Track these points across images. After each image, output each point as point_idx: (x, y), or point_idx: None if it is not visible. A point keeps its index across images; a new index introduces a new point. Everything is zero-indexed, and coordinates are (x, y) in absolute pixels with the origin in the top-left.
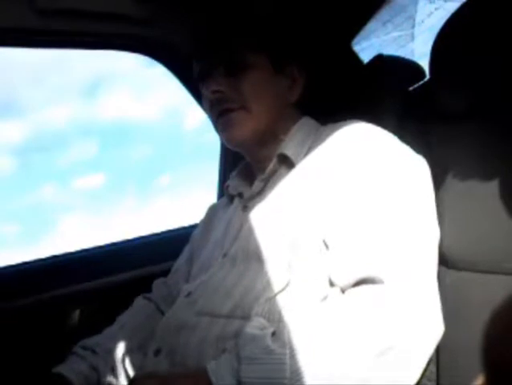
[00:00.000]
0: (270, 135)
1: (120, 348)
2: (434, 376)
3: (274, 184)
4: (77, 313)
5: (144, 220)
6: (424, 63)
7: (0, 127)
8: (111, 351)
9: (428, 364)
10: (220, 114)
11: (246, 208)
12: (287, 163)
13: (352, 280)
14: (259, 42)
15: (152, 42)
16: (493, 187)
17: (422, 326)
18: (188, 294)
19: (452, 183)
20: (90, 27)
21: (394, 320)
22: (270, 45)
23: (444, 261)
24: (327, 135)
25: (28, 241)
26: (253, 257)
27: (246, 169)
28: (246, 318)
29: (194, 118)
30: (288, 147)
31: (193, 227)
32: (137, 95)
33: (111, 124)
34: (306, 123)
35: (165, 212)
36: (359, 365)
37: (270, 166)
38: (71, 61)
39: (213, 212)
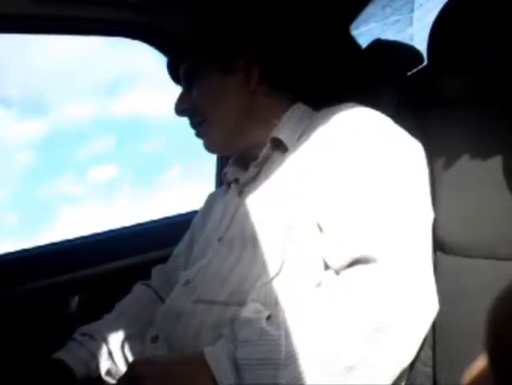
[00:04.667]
0: (249, 127)
1: (119, 335)
2: (431, 361)
3: (269, 168)
4: (76, 299)
5: (152, 207)
6: (424, 48)
7: (25, 124)
8: (110, 338)
9: (424, 349)
10: (192, 128)
11: (241, 194)
12: (281, 147)
13: (346, 260)
14: (197, 50)
15: (146, 27)
16: (490, 172)
17: (416, 303)
18: (187, 282)
19: (449, 168)
20: (84, 12)
21: (387, 298)
22: (209, 51)
23: (440, 246)
24: (321, 119)
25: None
26: (249, 242)
27: (243, 156)
28: (243, 304)
29: None
30: (281, 132)
31: (193, 213)
32: (155, 92)
33: (128, 120)
34: (300, 108)
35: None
36: (352, 343)
37: (264, 151)
38: (95, 60)
39: (212, 199)
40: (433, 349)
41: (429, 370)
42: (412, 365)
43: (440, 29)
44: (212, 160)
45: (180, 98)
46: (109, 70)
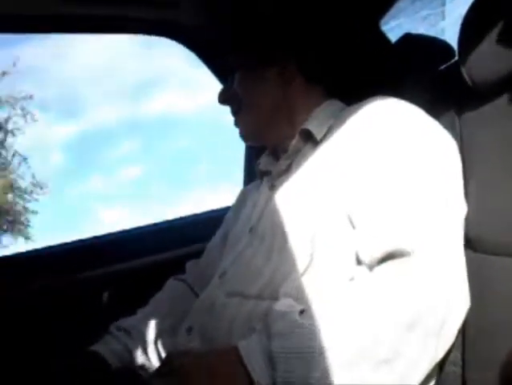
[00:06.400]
0: (282, 119)
1: (153, 329)
2: (459, 361)
3: (300, 162)
4: (112, 294)
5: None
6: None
7: (59, 126)
8: (144, 332)
9: (453, 349)
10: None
11: (273, 187)
12: (311, 140)
13: (379, 254)
14: (239, 43)
15: (176, 25)
16: None
17: (450, 298)
18: (222, 274)
19: (482, 163)
20: (115, 11)
21: (422, 293)
22: (248, 44)
23: (469, 243)
24: (352, 111)
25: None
26: (279, 236)
27: (275, 148)
28: (275, 298)
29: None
30: (310, 124)
31: (224, 209)
32: (184, 93)
33: (157, 120)
34: (332, 103)
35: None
36: (387, 337)
37: (293, 142)
38: (125, 63)
39: (244, 195)
40: (462, 348)
41: (458, 369)
42: (441, 365)
43: (471, 23)
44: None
45: (224, 88)
46: (141, 71)
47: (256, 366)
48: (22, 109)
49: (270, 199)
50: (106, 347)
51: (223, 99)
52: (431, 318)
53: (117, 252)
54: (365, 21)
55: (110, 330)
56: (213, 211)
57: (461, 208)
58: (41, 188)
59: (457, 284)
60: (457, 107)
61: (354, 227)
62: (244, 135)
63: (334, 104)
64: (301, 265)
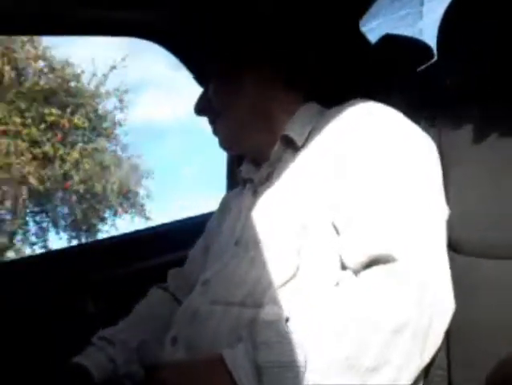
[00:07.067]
0: (260, 125)
1: (136, 338)
2: (445, 364)
3: (282, 168)
4: (93, 303)
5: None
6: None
7: None
8: (127, 342)
9: (439, 353)
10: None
11: (256, 194)
12: (292, 146)
13: (364, 259)
14: (209, 50)
15: (152, 26)
16: (505, 170)
17: (435, 302)
18: (204, 283)
19: (461, 165)
20: (99, 14)
21: (407, 298)
22: (219, 51)
23: (453, 246)
24: (332, 115)
25: None
26: (264, 243)
27: (255, 156)
28: (259, 306)
29: None
30: (291, 129)
31: (206, 216)
32: (164, 97)
33: (140, 126)
34: (311, 107)
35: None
36: (375, 343)
37: (275, 149)
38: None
39: (226, 201)
40: (447, 351)
41: (444, 373)
42: (427, 369)
43: (449, 23)
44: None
45: (199, 98)
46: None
47: (242, 375)
48: (121, 101)
49: (253, 207)
50: (89, 358)
51: (199, 109)
52: (417, 322)
53: (97, 261)
54: (343, 21)
55: (92, 340)
56: (194, 217)
57: (442, 211)
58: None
59: (442, 287)
60: (435, 109)
61: (338, 233)
62: (223, 144)
63: (312, 108)
64: (286, 272)
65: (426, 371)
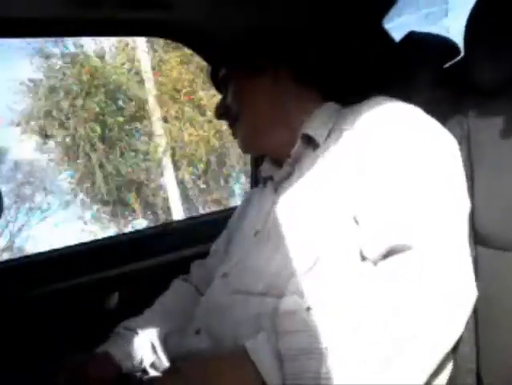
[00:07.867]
0: (279, 126)
1: (161, 329)
2: (474, 358)
3: (302, 165)
4: (118, 295)
5: None
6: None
7: None
8: (152, 332)
9: (468, 345)
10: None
11: (277, 190)
12: (312, 144)
13: (382, 249)
14: (225, 55)
15: (174, 26)
16: None
17: (453, 290)
18: (224, 275)
19: (487, 160)
20: (113, 14)
21: (425, 287)
22: (234, 55)
23: (479, 239)
24: (352, 113)
25: None
26: (284, 237)
27: (275, 155)
28: (281, 296)
29: None
30: (310, 128)
31: (230, 210)
32: None
33: None
34: (330, 106)
35: None
36: (392, 334)
37: (295, 148)
38: None
39: (249, 197)
40: (477, 345)
41: (473, 366)
42: (455, 362)
43: (476, 20)
44: None
45: (219, 103)
46: None
47: (265, 365)
48: None
49: (274, 203)
50: (115, 347)
51: (219, 113)
52: (434, 313)
53: (122, 254)
54: (366, 19)
55: (117, 330)
56: (218, 212)
57: (463, 205)
58: None
59: (460, 276)
60: (463, 106)
61: (358, 225)
62: (243, 146)
63: (330, 106)
64: (306, 264)
65: (454, 364)
